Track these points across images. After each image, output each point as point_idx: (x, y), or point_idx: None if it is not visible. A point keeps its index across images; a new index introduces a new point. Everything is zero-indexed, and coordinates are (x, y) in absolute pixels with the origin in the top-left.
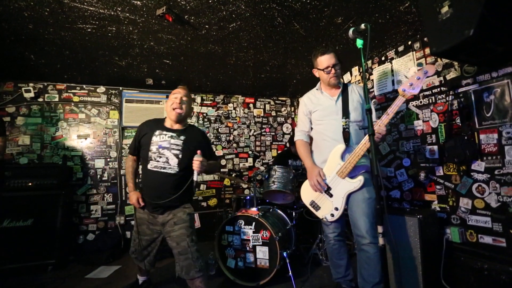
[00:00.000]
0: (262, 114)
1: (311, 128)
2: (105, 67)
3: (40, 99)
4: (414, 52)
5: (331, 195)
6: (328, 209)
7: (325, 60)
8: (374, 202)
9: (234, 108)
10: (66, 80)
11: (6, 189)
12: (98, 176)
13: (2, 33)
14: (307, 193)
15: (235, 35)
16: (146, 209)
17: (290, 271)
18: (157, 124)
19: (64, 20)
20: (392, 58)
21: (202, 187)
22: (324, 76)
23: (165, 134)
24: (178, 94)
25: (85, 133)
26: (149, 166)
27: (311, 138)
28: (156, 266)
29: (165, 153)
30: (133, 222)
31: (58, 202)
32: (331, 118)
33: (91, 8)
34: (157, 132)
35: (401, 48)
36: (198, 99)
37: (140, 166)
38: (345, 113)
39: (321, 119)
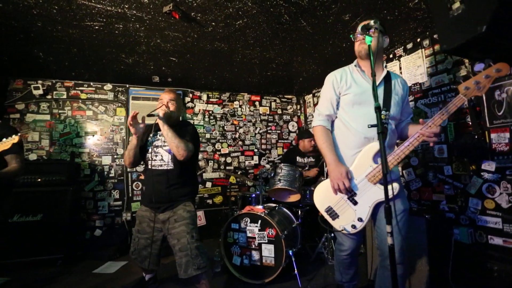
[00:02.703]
0: (268, 112)
1: (336, 116)
2: (112, 64)
3: (49, 96)
4: (423, 50)
5: (355, 203)
6: (349, 218)
7: (361, 26)
8: (408, 216)
9: (240, 106)
10: (74, 77)
11: (16, 185)
12: (105, 172)
13: (12, 31)
14: (324, 196)
15: (242, 32)
16: (147, 206)
17: (295, 269)
18: (152, 125)
19: (72, 18)
20: (401, 56)
21: (208, 184)
22: (356, 45)
23: (158, 134)
24: (163, 99)
25: (93, 130)
26: (148, 166)
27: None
28: (162, 262)
29: (159, 151)
30: None
31: (66, 198)
32: (365, 108)
33: (99, 6)
34: (151, 134)
35: (409, 46)
36: (204, 97)
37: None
38: (387, 105)
39: (351, 106)
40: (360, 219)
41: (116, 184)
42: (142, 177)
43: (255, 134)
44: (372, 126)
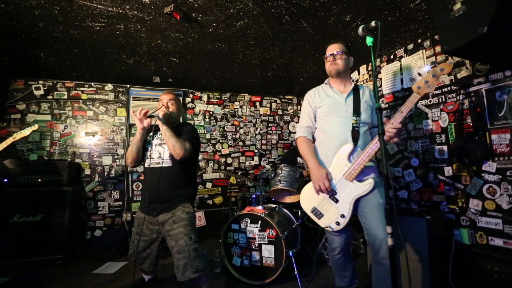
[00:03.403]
0: (268, 113)
1: (315, 127)
2: (113, 65)
3: (50, 97)
4: (424, 50)
5: (336, 200)
6: (332, 216)
7: (329, 49)
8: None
9: (241, 107)
10: (74, 77)
11: (16, 185)
12: (106, 173)
13: (14, 31)
14: (309, 198)
15: (242, 33)
16: (142, 211)
17: (295, 270)
18: (153, 126)
19: (74, 18)
20: (401, 57)
21: (208, 185)
22: (326, 66)
23: (158, 133)
24: (162, 100)
25: (93, 131)
26: (146, 165)
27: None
28: (162, 263)
29: (158, 149)
30: None
31: (67, 198)
32: (339, 116)
33: (100, 6)
34: (151, 134)
35: (410, 46)
36: (205, 97)
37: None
38: (356, 112)
39: (327, 116)
40: (342, 216)
41: (116, 185)
42: (142, 177)
43: (256, 134)
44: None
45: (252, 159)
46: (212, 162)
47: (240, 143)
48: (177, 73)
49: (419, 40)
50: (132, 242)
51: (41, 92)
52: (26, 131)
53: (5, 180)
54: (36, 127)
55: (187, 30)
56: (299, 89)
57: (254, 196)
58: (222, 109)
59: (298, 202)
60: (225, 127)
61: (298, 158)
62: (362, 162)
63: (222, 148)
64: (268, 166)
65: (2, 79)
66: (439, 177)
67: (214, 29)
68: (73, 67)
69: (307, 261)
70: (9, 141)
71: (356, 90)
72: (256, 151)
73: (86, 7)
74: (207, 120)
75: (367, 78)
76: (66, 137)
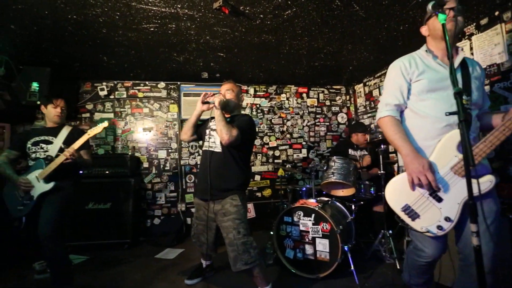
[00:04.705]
0: (315, 104)
1: (406, 106)
2: (165, 63)
3: (112, 96)
4: (503, 24)
5: (439, 200)
6: (433, 218)
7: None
8: (500, 217)
9: (287, 99)
10: (132, 78)
11: (89, 176)
12: (161, 166)
13: (82, 39)
14: (399, 193)
15: (290, 22)
16: (197, 197)
17: (352, 265)
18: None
19: (131, 22)
20: (472, 34)
21: (257, 177)
22: (437, 24)
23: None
24: (221, 89)
25: (149, 126)
26: (203, 148)
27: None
28: (218, 252)
29: (213, 134)
30: (193, 210)
31: (130, 189)
32: (443, 94)
33: (154, 8)
34: (211, 119)
35: (484, 21)
36: (251, 91)
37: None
38: (467, 90)
39: (426, 93)
40: (448, 219)
41: (171, 177)
42: (194, 170)
43: (303, 126)
44: (451, 113)
45: (300, 152)
46: (260, 155)
47: (288, 136)
48: (224, 68)
49: (497, 13)
50: (193, 225)
51: (105, 92)
52: (99, 128)
53: (80, 172)
54: (106, 124)
55: (235, 24)
56: (348, 78)
57: (304, 188)
58: (268, 102)
59: (352, 195)
60: (272, 119)
61: (350, 150)
62: (481, 153)
63: (270, 141)
64: (316, 159)
65: (74, 83)
66: None
67: (261, 20)
68: (130, 68)
69: (363, 257)
70: (85, 137)
71: (464, 64)
72: (304, 143)
73: (142, 10)
74: (254, 113)
75: None
76: (126, 133)
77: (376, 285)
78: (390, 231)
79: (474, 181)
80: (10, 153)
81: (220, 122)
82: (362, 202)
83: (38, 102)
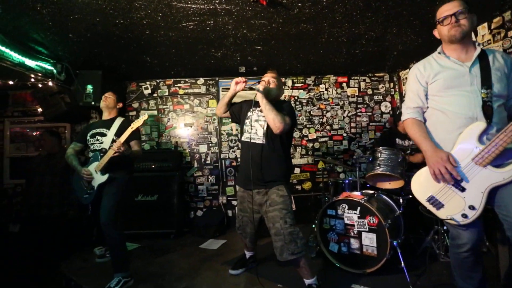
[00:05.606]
0: (356, 93)
1: (427, 107)
2: (203, 60)
3: (155, 95)
4: None
5: (462, 189)
6: (457, 207)
7: (444, 10)
8: None
9: (326, 89)
10: (173, 75)
11: (138, 170)
12: (202, 160)
13: (128, 41)
14: (424, 185)
15: (329, 9)
16: (240, 186)
17: (402, 262)
18: (252, 101)
19: (172, 21)
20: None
21: (297, 170)
22: (442, 31)
23: (257, 109)
24: (265, 77)
25: (190, 122)
26: (242, 138)
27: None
28: (259, 244)
29: (255, 125)
30: (234, 202)
31: (174, 182)
32: (462, 89)
33: (193, 6)
34: (252, 109)
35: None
36: (289, 83)
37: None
38: (486, 83)
39: (445, 91)
40: (472, 207)
41: (212, 170)
42: (234, 163)
43: (344, 117)
44: None
45: (341, 143)
46: (300, 147)
47: (328, 127)
48: (261, 61)
49: None
50: (237, 217)
51: (149, 91)
52: (140, 121)
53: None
54: (146, 116)
55: (272, 15)
56: (392, 64)
57: (347, 181)
58: (307, 93)
59: (400, 188)
60: (311, 111)
61: (397, 140)
62: (502, 143)
63: (309, 133)
64: (358, 150)
65: (122, 84)
66: None
67: (299, 9)
68: (171, 66)
69: (413, 254)
70: (128, 131)
71: (483, 57)
72: (345, 135)
73: (182, 9)
74: (292, 105)
75: (489, 40)
76: (169, 129)
77: (429, 284)
78: (445, 227)
79: (493, 169)
80: (76, 145)
81: (271, 111)
82: (410, 196)
83: (93, 103)
